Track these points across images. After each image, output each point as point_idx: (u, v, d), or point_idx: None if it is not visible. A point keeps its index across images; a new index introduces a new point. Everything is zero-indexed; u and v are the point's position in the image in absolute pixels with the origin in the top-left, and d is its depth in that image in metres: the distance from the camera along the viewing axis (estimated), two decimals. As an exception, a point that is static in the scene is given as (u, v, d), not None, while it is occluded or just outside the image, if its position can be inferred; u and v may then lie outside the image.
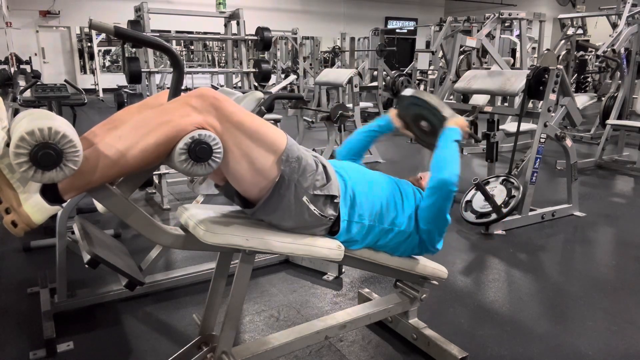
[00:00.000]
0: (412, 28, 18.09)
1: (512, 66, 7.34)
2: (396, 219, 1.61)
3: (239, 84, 4.64)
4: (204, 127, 1.24)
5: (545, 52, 7.40)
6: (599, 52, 5.25)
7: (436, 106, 1.76)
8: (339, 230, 1.49)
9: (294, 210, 1.39)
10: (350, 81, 5.50)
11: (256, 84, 4.19)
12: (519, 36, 6.59)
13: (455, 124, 1.71)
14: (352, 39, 11.81)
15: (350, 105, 5.40)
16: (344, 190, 1.51)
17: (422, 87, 11.73)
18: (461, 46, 4.78)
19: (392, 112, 1.90)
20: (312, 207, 1.40)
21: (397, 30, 17.50)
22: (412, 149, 6.24)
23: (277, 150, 1.33)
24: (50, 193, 1.16)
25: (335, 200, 1.46)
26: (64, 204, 1.27)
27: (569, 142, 3.46)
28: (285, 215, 1.40)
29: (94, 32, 13.24)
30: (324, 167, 1.47)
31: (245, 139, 1.29)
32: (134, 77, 3.44)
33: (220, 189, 1.54)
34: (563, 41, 7.90)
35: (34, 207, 1.14)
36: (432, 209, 1.59)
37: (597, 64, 8.31)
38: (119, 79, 12.66)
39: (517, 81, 3.46)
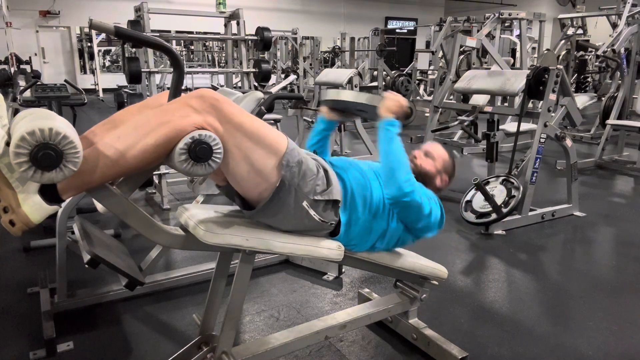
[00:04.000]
0: (412, 28, 18.09)
1: (512, 66, 7.33)
2: (391, 219, 1.60)
3: (239, 84, 4.64)
4: (204, 128, 1.24)
5: (545, 52, 7.40)
6: (599, 52, 5.26)
7: (361, 102, 1.68)
8: (339, 233, 1.50)
9: (293, 214, 1.39)
10: (350, 81, 5.50)
11: (256, 84, 4.19)
12: (519, 36, 6.59)
13: (389, 109, 1.60)
14: (352, 39, 11.81)
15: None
16: (344, 193, 1.50)
17: (422, 87, 11.74)
18: (461, 46, 4.78)
19: (324, 111, 1.84)
20: (312, 212, 1.40)
21: (397, 30, 17.52)
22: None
23: (278, 153, 1.33)
24: (49, 193, 1.16)
25: (338, 205, 1.46)
26: (63, 204, 1.27)
27: (569, 142, 3.46)
28: (285, 219, 1.40)
29: (94, 32, 13.23)
30: (325, 171, 1.46)
31: (246, 141, 1.29)
32: (134, 77, 3.44)
33: (221, 189, 1.54)
34: (563, 41, 7.90)
35: (33, 207, 1.14)
36: (407, 217, 1.61)
37: (597, 64, 8.30)
38: (119, 79, 12.65)
39: (517, 81, 3.46)
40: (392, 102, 1.61)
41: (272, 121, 4.45)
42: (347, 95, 1.75)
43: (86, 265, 1.38)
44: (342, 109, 1.82)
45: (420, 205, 1.56)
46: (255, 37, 4.08)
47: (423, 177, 1.75)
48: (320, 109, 1.88)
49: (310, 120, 8.00)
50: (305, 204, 1.38)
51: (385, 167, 1.56)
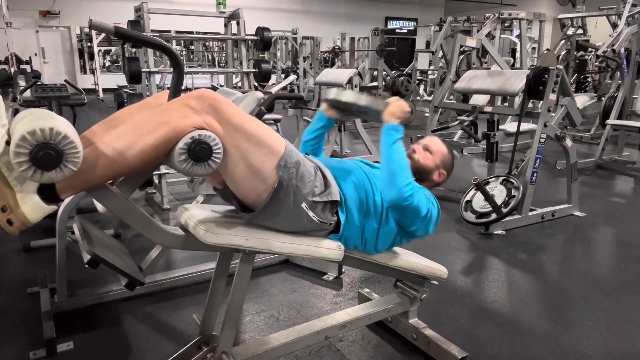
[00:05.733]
0: (412, 28, 18.10)
1: (512, 66, 7.34)
2: (385, 219, 1.60)
3: (239, 84, 4.64)
4: (203, 128, 1.24)
5: (545, 52, 7.41)
6: (599, 52, 5.26)
7: (364, 105, 1.70)
8: (340, 231, 1.50)
9: (292, 216, 1.39)
10: (350, 81, 5.49)
11: (256, 84, 4.19)
12: (519, 36, 6.59)
13: (393, 115, 1.62)
14: (352, 39, 11.81)
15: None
16: (342, 195, 1.51)
17: (422, 87, 11.73)
18: (461, 46, 4.79)
19: (324, 108, 1.86)
20: (310, 213, 1.40)
21: (397, 30, 17.52)
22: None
23: (276, 154, 1.33)
24: (48, 192, 1.16)
25: (336, 206, 1.46)
26: (61, 203, 1.27)
27: (569, 142, 3.46)
28: (285, 221, 1.40)
29: (94, 32, 13.22)
30: (323, 172, 1.47)
31: (245, 142, 1.29)
32: (134, 77, 3.44)
33: (218, 192, 1.54)
34: (563, 41, 7.90)
35: (31, 207, 1.14)
36: (403, 220, 1.60)
37: (597, 64, 8.31)
38: (119, 79, 12.66)
39: (517, 81, 3.46)
40: (396, 108, 1.62)
41: (272, 121, 4.45)
42: (350, 97, 1.75)
43: (86, 265, 1.38)
44: (343, 108, 1.82)
45: (418, 209, 1.56)
46: (255, 37, 4.08)
47: (421, 172, 1.74)
48: (320, 106, 1.88)
49: (310, 120, 8.01)
50: (304, 205, 1.38)
51: (386, 171, 1.56)
